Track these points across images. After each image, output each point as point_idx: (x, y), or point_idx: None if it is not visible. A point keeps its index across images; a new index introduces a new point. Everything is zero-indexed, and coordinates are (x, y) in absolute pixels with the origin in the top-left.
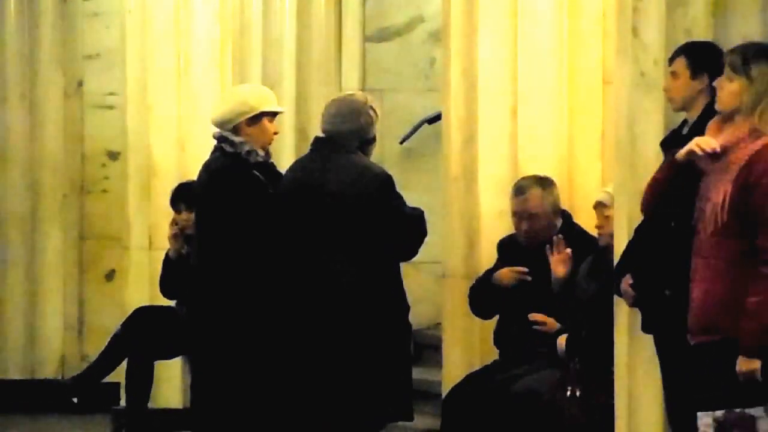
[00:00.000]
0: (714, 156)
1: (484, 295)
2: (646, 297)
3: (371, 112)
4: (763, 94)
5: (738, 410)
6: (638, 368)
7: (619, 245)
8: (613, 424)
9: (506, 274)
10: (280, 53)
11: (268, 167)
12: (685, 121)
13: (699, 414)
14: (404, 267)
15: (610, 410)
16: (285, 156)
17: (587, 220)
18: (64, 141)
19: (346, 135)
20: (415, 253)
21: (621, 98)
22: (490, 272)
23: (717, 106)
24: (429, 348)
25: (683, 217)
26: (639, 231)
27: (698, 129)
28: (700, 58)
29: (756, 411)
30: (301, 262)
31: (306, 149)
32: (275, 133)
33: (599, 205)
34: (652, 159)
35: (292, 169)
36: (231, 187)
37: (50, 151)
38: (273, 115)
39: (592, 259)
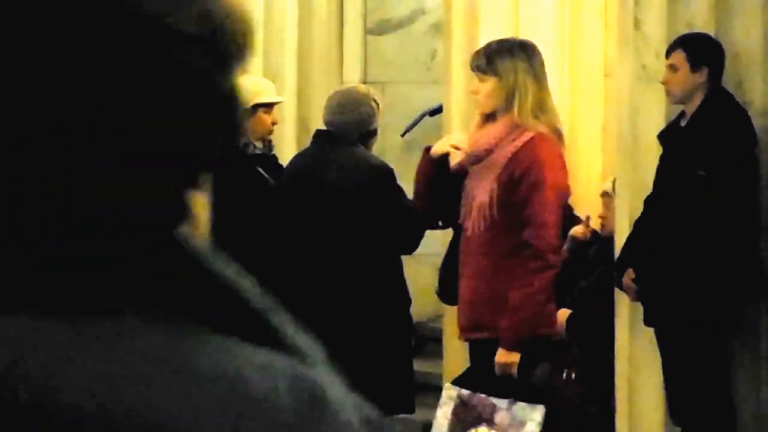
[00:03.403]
0: (475, 156)
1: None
2: (648, 291)
3: (373, 104)
4: (514, 87)
5: (483, 395)
6: (639, 359)
7: (621, 236)
8: (609, 408)
9: None
10: (282, 45)
11: (269, 160)
12: (682, 113)
13: (447, 384)
14: (405, 259)
15: (606, 395)
16: (286, 148)
17: (589, 213)
18: None
19: (347, 127)
20: (416, 246)
21: (622, 91)
22: None
23: (478, 110)
24: (430, 340)
25: (449, 215)
26: (638, 224)
27: (697, 121)
28: (700, 51)
29: (500, 402)
30: (301, 255)
31: (307, 141)
32: (274, 123)
33: (605, 195)
34: (653, 151)
35: (293, 161)
36: (227, 180)
37: None
38: (269, 106)
39: (596, 248)
